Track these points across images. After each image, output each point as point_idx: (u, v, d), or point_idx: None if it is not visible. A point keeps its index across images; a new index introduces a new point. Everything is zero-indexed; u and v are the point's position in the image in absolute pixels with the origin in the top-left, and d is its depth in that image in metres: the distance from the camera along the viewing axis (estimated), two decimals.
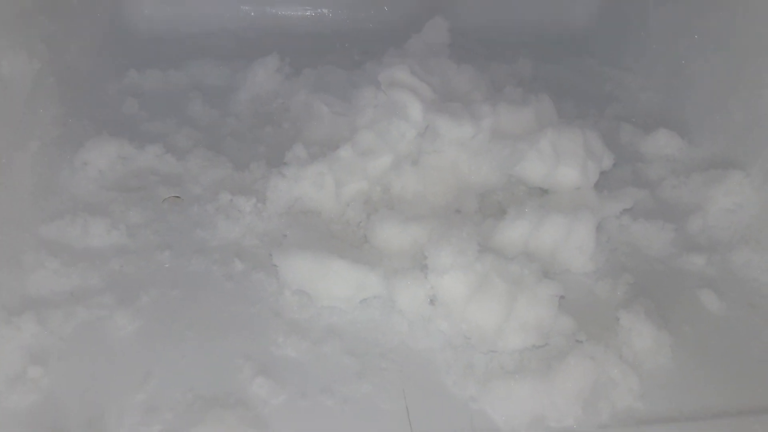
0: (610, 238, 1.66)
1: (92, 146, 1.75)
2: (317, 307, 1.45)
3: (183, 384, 1.29)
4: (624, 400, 1.29)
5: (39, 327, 1.35)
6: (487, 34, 2.50)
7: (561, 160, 1.57)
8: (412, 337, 1.41)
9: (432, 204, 1.61)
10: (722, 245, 1.69)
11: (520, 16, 2.58)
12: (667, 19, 2.22)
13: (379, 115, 1.70)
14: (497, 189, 1.67)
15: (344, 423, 1.23)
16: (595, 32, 2.62)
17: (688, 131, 2.01)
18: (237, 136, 1.95)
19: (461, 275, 1.35)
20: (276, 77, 2.11)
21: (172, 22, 2.40)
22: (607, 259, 1.61)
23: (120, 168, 1.78)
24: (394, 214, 1.55)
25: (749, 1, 1.83)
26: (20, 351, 1.32)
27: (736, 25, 1.89)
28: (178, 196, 1.73)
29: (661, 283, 1.58)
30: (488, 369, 1.33)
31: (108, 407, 1.24)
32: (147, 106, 2.04)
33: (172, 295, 1.48)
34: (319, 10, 2.49)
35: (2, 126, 1.39)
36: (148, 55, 2.28)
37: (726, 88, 1.90)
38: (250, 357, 1.34)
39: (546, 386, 1.27)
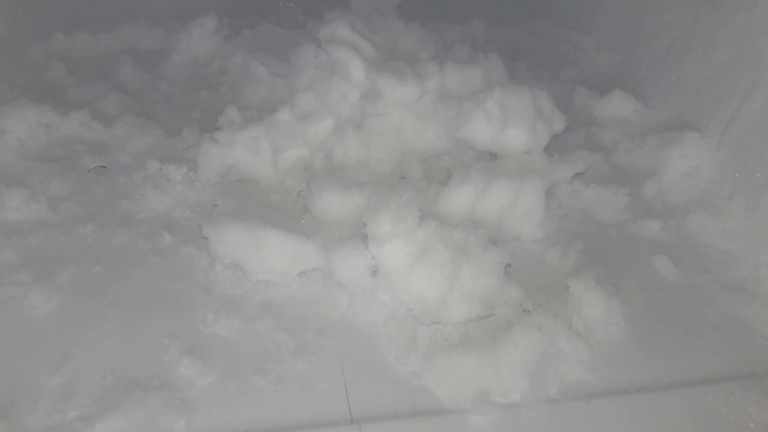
0: (561, 204, 1.60)
1: (11, 113, 1.61)
2: (251, 281, 1.36)
3: (102, 366, 1.19)
4: (573, 373, 1.23)
5: None
6: None
7: (509, 122, 1.48)
8: (353, 311, 1.33)
9: (375, 171, 1.52)
10: (678, 210, 1.64)
11: None
12: None
13: (320, 75, 1.59)
14: (444, 154, 1.58)
15: (277, 404, 1.15)
16: None
17: (643, 92, 1.95)
18: (169, 101, 1.83)
19: (402, 243, 1.27)
20: (213, 39, 1.99)
21: None
22: (558, 226, 1.55)
23: (42, 136, 1.66)
24: (334, 181, 1.46)
25: None
26: None
27: None
28: (104, 166, 1.61)
29: (614, 249, 1.53)
30: (432, 342, 1.26)
31: (21, 392, 1.14)
32: (74, 70, 1.90)
33: (95, 271, 1.37)
34: None
35: None
36: (78, 17, 2.13)
37: (681, 46, 1.84)
38: (177, 336, 1.25)
39: (491, 359, 1.20)
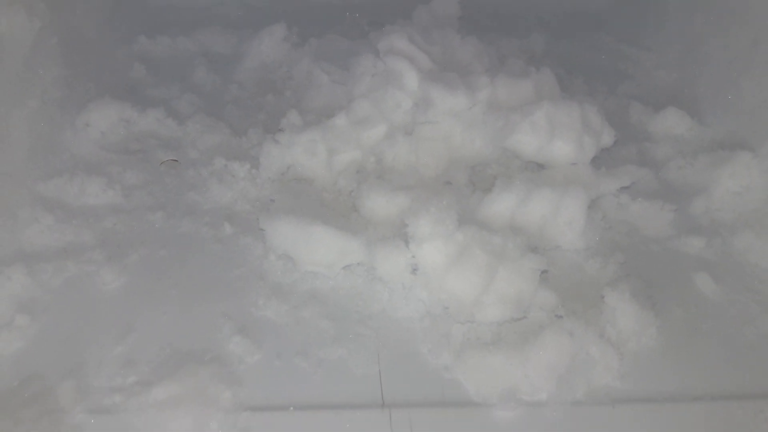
0: (605, 216, 1.62)
1: (95, 108, 1.78)
2: (300, 271, 1.46)
3: (162, 339, 1.31)
4: (601, 378, 1.27)
5: (29, 279, 1.39)
6: (501, 9, 2.45)
7: (556, 134, 1.53)
8: (392, 305, 1.40)
9: (422, 175, 1.59)
10: (724, 229, 1.63)
11: None
12: None
13: (376, 83, 1.68)
14: (491, 162, 1.64)
15: (316, 384, 1.24)
16: (613, 9, 2.54)
17: (698, 111, 1.94)
18: (238, 103, 1.96)
19: (441, 245, 1.34)
20: (282, 46, 2.10)
21: None
22: (600, 237, 1.57)
23: (121, 130, 1.81)
24: (382, 183, 1.54)
25: None
26: (9, 300, 1.36)
27: (751, 1, 1.81)
28: (175, 160, 1.75)
29: (655, 264, 1.54)
30: (464, 339, 1.32)
31: (88, 358, 1.28)
32: (153, 71, 2.06)
33: (160, 254, 1.50)
34: None
35: (0, 83, 1.42)
36: (159, 21, 2.30)
37: (739, 67, 1.83)
38: (230, 317, 1.36)
39: (521, 359, 1.26)
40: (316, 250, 1.43)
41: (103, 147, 1.76)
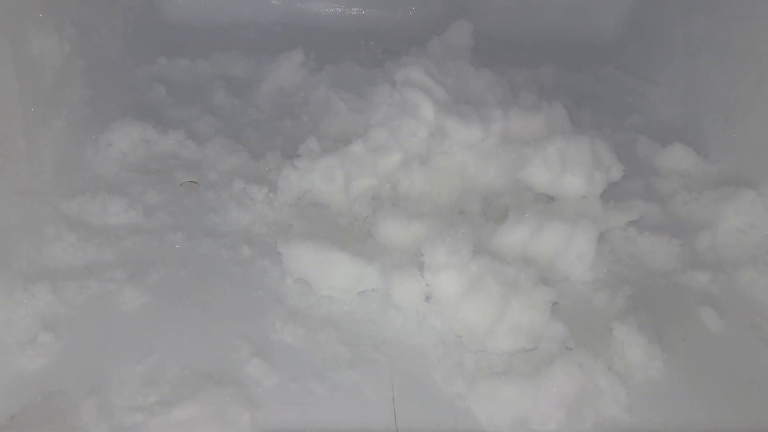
0: (614, 248, 1.67)
1: (117, 128, 1.82)
2: (317, 296, 1.49)
3: (182, 360, 1.35)
4: (609, 410, 1.30)
5: (53, 296, 1.43)
6: (513, 38, 2.52)
7: (567, 168, 1.58)
8: (406, 332, 1.44)
9: (437, 204, 1.64)
10: (729, 264, 1.68)
11: (548, 23, 2.58)
12: (693, 32, 2.21)
13: (393, 113, 1.73)
14: (504, 193, 1.69)
15: (332, 408, 1.27)
16: (622, 42, 2.61)
17: (704, 146, 2.00)
18: (256, 126, 2.00)
19: (455, 274, 1.37)
20: (300, 71, 2.16)
21: (203, 12, 2.47)
22: (608, 270, 1.61)
23: (142, 151, 1.86)
24: (397, 211, 1.58)
25: None
26: (33, 317, 1.39)
27: (757, 40, 1.87)
28: (195, 181, 1.79)
29: (661, 297, 1.58)
30: (477, 368, 1.35)
31: (110, 376, 1.31)
32: (173, 92, 2.11)
33: (180, 275, 1.54)
34: (348, 8, 2.53)
35: (29, 103, 1.46)
36: (179, 43, 2.35)
37: (744, 104, 1.89)
38: (248, 339, 1.39)
39: (531, 389, 1.29)
40: (333, 276, 1.47)
41: (124, 167, 1.80)
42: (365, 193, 1.69)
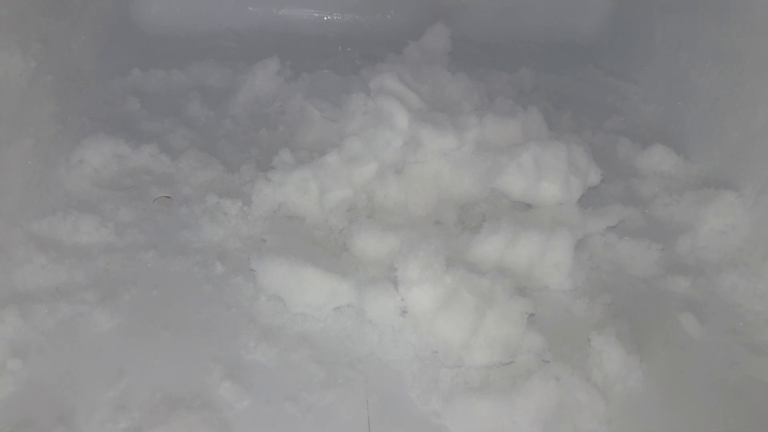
0: (592, 255, 1.65)
1: (89, 144, 1.79)
2: (290, 313, 1.47)
3: (153, 384, 1.32)
4: (588, 424, 1.28)
5: (22, 321, 1.40)
6: (491, 41, 2.49)
7: (543, 175, 1.56)
8: (381, 348, 1.41)
9: (412, 214, 1.61)
10: (710, 268, 1.66)
11: (527, 25, 2.56)
12: (673, 32, 2.18)
13: (368, 122, 1.71)
14: (480, 201, 1.66)
15: (305, 431, 1.25)
16: (603, 43, 2.59)
17: (685, 147, 1.98)
18: (231, 138, 1.97)
19: (430, 288, 1.35)
20: (275, 80, 2.13)
21: (179, 21, 2.44)
22: (587, 277, 1.59)
23: (115, 166, 1.83)
24: (372, 223, 1.56)
25: (749, 18, 1.78)
26: (2, 343, 1.35)
27: (735, 40, 1.85)
28: (168, 196, 1.76)
29: (641, 304, 1.56)
30: (453, 384, 1.33)
31: (80, 403, 1.28)
32: (147, 105, 2.08)
33: (152, 295, 1.51)
34: (325, 13, 2.50)
35: None
36: (154, 54, 2.32)
37: (723, 105, 1.87)
38: (220, 360, 1.37)
39: (508, 405, 1.27)
40: (306, 292, 1.44)
41: (96, 183, 1.77)
42: (341, 205, 1.67)
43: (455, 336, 1.34)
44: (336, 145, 1.70)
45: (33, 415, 1.25)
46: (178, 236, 1.66)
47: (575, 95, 2.28)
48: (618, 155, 2.00)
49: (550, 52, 2.54)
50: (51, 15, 1.70)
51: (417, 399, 1.32)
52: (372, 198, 1.66)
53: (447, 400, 1.30)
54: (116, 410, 1.26)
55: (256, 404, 1.29)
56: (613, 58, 2.48)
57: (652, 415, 1.32)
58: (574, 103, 2.22)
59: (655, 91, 2.23)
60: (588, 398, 1.30)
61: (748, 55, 1.80)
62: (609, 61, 2.47)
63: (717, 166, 1.86)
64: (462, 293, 1.36)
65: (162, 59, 2.27)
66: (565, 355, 1.39)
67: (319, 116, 1.86)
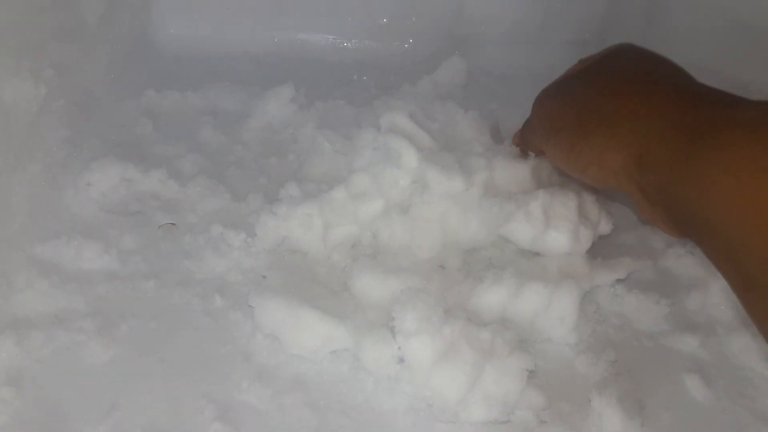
0: (599, 307, 1.60)
1: (97, 168, 1.78)
2: (287, 354, 1.44)
3: (144, 420, 1.30)
4: None
5: (18, 348, 1.38)
6: (510, 73, 2.45)
7: (551, 225, 1.51)
8: (376, 397, 1.38)
9: (416, 257, 1.58)
10: (721, 327, 1.59)
11: (547, 56, 2.51)
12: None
13: (377, 158, 1.68)
14: (486, 246, 1.63)
15: None
16: None
17: None
18: (241, 165, 1.96)
19: (428, 340, 1.32)
20: (289, 107, 2.11)
21: (196, 42, 2.43)
22: (593, 330, 1.54)
23: (122, 190, 1.81)
24: (374, 264, 1.53)
25: None
26: None
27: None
28: (173, 223, 1.75)
29: (646, 362, 1.51)
30: None
31: None
32: (160, 127, 2.06)
33: (150, 326, 1.49)
34: (342, 39, 2.49)
35: (1, 151, 1.44)
36: (169, 75, 2.31)
37: None
38: (213, 399, 1.34)
39: None
40: (303, 333, 1.42)
41: (102, 208, 1.76)
42: (344, 241, 1.64)
43: (452, 390, 1.31)
44: (344, 179, 1.68)
45: None
46: (180, 266, 1.63)
47: None
48: (631, 201, 1.95)
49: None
50: (65, 40, 1.70)
51: None
52: (377, 236, 1.64)
53: None
54: None
55: None
56: None
57: None
58: None
59: None
60: None
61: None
62: None
63: None
64: (461, 346, 1.33)
65: (177, 80, 2.26)
66: (564, 415, 1.35)
67: (329, 148, 1.84)
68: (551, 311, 1.46)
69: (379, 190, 1.64)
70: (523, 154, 1.66)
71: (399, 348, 1.39)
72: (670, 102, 0.98)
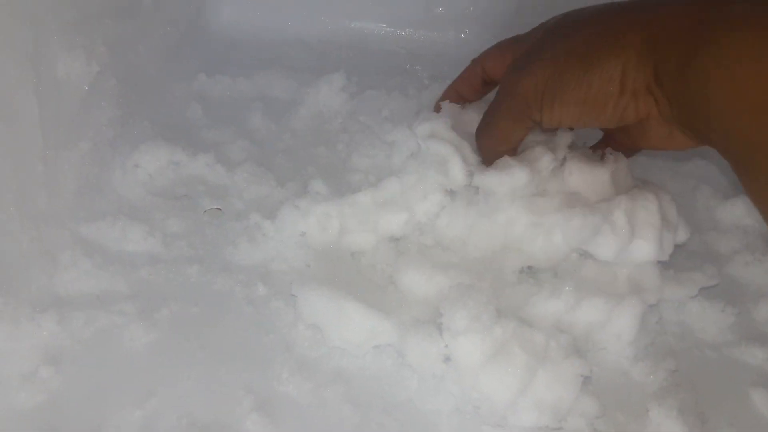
0: (661, 317, 1.50)
1: (146, 149, 1.76)
2: (328, 346, 1.39)
3: (181, 408, 1.26)
4: None
5: (59, 327, 1.36)
6: None
7: (636, 233, 1.37)
8: (420, 396, 1.31)
9: (472, 256, 1.50)
10: None
11: None
12: None
13: (416, 164, 1.55)
14: (553, 258, 1.49)
15: None
16: None
17: None
18: (289, 153, 1.91)
19: (477, 339, 1.25)
20: (340, 95, 2.06)
21: (249, 27, 2.41)
22: (653, 341, 1.45)
23: (170, 173, 1.79)
24: (422, 259, 1.46)
25: None
26: (37, 350, 1.33)
27: None
28: (219, 209, 1.72)
29: (709, 373, 1.41)
30: None
31: (107, 419, 1.24)
32: (210, 112, 2.03)
33: (192, 312, 1.45)
34: (395, 28, 2.44)
35: (49, 127, 1.42)
36: (221, 59, 2.29)
37: None
38: (252, 389, 1.30)
39: None
40: (347, 326, 1.36)
41: (149, 190, 1.74)
42: (392, 235, 1.58)
43: (501, 393, 1.23)
44: (393, 172, 1.60)
45: (59, 427, 1.22)
46: (224, 252, 1.60)
47: None
48: (697, 204, 1.84)
49: None
50: (120, 18, 1.69)
51: None
52: (427, 231, 1.55)
53: None
54: (142, 430, 1.23)
55: None
56: None
57: None
58: None
59: None
60: None
61: None
62: None
63: None
64: (513, 348, 1.25)
65: (229, 65, 2.24)
66: (619, 425, 1.26)
67: (377, 141, 1.79)
68: (609, 327, 1.37)
69: (405, 202, 1.51)
70: (511, 153, 1.48)
71: (446, 346, 1.32)
72: (665, 11, 0.98)
